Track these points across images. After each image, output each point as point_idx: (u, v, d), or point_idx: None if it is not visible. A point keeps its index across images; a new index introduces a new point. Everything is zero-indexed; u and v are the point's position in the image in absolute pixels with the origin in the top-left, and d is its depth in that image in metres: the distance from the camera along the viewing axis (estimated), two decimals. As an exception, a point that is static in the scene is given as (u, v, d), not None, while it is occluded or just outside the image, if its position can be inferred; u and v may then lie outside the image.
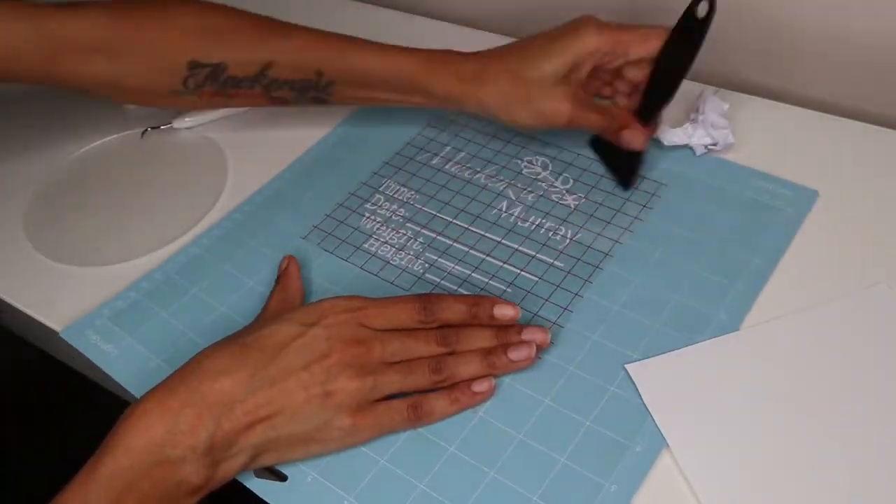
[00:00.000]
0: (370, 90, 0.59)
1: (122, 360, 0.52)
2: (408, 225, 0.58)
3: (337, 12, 0.80)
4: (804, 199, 0.55)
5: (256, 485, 0.45)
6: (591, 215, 0.57)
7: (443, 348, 0.46)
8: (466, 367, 0.46)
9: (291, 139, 0.66)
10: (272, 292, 0.52)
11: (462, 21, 0.77)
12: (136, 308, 0.55)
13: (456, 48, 0.58)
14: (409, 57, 0.57)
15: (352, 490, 0.45)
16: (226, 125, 0.69)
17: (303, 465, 0.46)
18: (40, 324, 0.56)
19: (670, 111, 0.57)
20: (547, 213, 0.57)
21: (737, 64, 0.67)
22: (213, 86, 0.58)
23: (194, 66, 0.56)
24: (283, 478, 0.46)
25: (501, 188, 0.60)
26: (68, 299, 0.57)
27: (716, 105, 0.59)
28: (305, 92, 0.58)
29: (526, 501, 0.43)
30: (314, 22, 0.59)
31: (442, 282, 0.54)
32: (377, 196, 0.61)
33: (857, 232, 0.53)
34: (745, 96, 0.63)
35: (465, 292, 0.53)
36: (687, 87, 0.64)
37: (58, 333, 0.54)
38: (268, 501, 0.45)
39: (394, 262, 0.56)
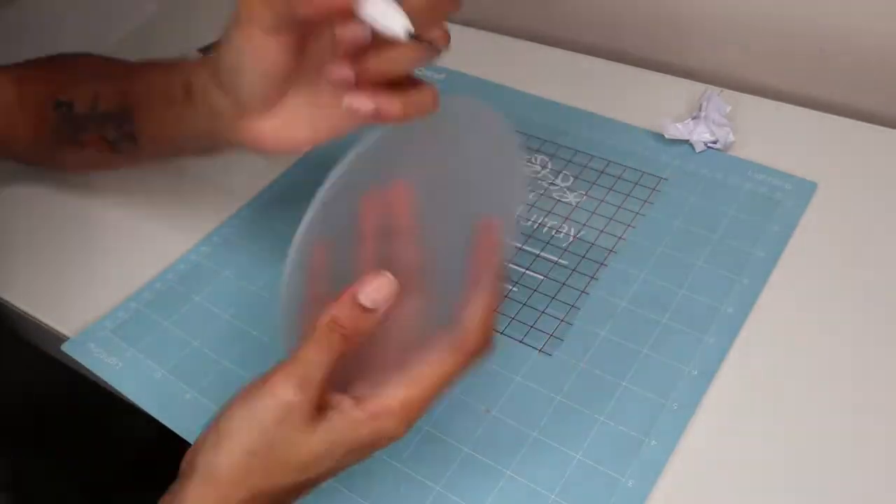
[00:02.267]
0: (161, 108, 0.49)
1: (127, 372, 0.52)
2: (410, 227, 0.58)
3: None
4: (803, 191, 0.56)
5: (271, 493, 0.45)
6: (593, 212, 0.57)
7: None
8: None
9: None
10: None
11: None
12: (139, 319, 0.55)
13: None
14: (192, 62, 0.48)
15: (367, 495, 0.44)
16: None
17: (317, 471, 0.46)
18: (46, 331, 0.56)
19: (671, 107, 0.57)
20: (549, 212, 0.57)
21: (738, 64, 0.68)
22: (71, 130, 0.55)
23: (58, 105, 0.55)
24: (297, 485, 0.45)
25: (502, 187, 0.60)
26: (70, 309, 0.56)
27: (718, 105, 0.59)
28: (121, 125, 0.53)
29: (544, 499, 0.43)
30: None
31: (447, 283, 0.54)
32: (377, 199, 0.61)
33: (857, 222, 0.54)
34: (746, 96, 0.63)
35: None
36: (691, 85, 0.64)
37: (61, 344, 0.54)
38: (283, 509, 0.44)
39: (397, 265, 0.56)
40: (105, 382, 0.52)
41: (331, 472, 0.38)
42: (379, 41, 0.35)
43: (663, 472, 0.43)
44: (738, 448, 0.44)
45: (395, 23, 0.31)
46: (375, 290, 0.36)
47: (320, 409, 0.36)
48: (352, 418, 0.36)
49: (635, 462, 0.43)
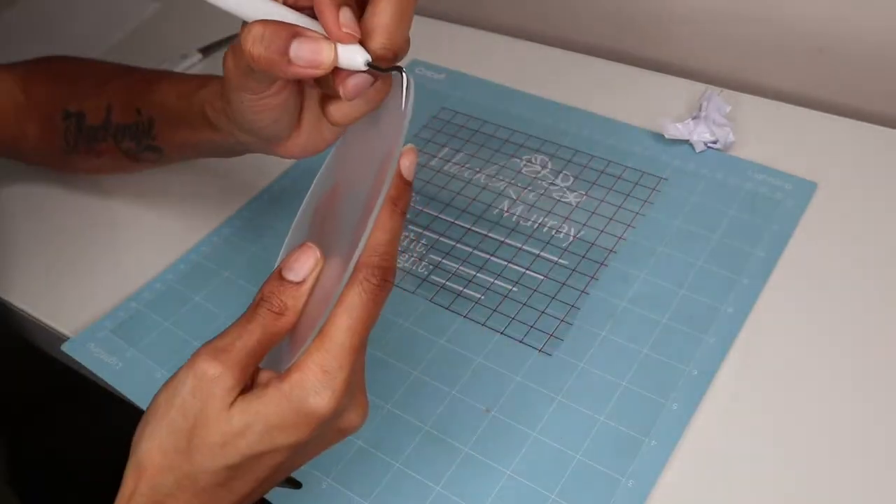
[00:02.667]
0: (185, 128, 0.50)
1: (127, 372, 0.52)
2: (410, 227, 0.58)
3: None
4: (803, 191, 0.56)
5: (271, 492, 0.45)
6: (593, 212, 0.57)
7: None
8: None
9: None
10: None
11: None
12: (139, 319, 0.55)
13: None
14: (201, 81, 0.49)
15: (368, 495, 0.44)
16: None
17: (317, 471, 0.46)
18: (46, 331, 0.56)
19: (671, 107, 0.57)
20: (549, 212, 0.57)
21: (738, 64, 0.68)
22: (83, 141, 0.56)
23: (67, 115, 0.55)
24: (297, 485, 0.45)
25: (502, 188, 0.60)
26: (69, 309, 0.56)
27: (718, 105, 0.59)
28: (141, 140, 0.54)
29: (544, 499, 0.43)
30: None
31: (447, 283, 0.54)
32: (377, 199, 0.61)
33: (857, 222, 0.54)
34: (746, 96, 0.63)
35: (472, 293, 0.53)
36: (690, 85, 0.64)
37: (60, 344, 0.54)
38: (283, 509, 0.44)
39: (398, 265, 0.56)
40: (105, 382, 0.52)
41: (268, 462, 0.34)
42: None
43: (663, 472, 0.43)
44: (737, 448, 0.44)
45: (357, 59, 0.35)
46: (296, 260, 0.35)
47: (249, 388, 0.34)
48: (271, 392, 0.33)
49: (635, 462, 0.43)
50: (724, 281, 0.51)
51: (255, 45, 0.35)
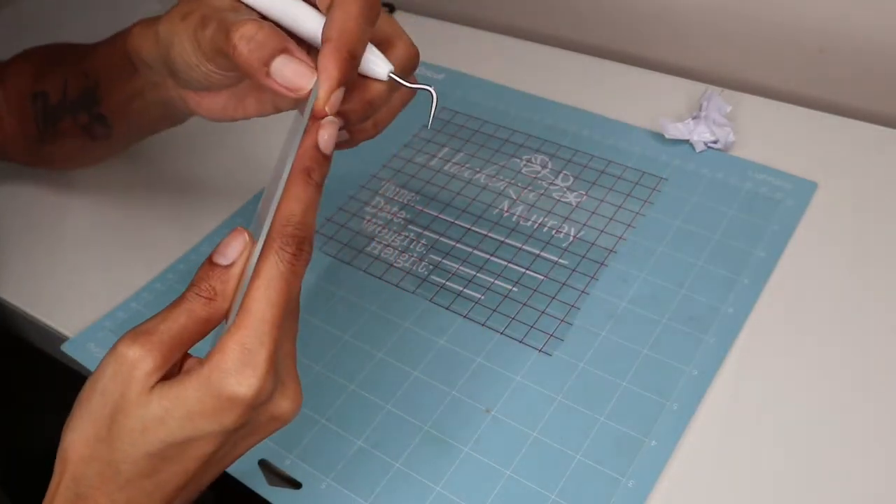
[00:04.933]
0: (121, 81, 0.49)
1: (127, 371, 0.52)
2: (410, 227, 0.58)
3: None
4: (803, 191, 0.56)
5: (271, 493, 0.45)
6: (593, 212, 0.57)
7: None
8: None
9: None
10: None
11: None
12: (138, 319, 0.55)
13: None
14: (128, 30, 0.47)
15: (367, 496, 0.44)
16: (225, 128, 0.68)
17: (317, 471, 0.46)
18: (46, 331, 0.56)
19: (671, 107, 0.57)
20: (549, 212, 0.57)
21: (738, 64, 0.68)
22: (49, 123, 0.55)
23: (34, 98, 0.55)
24: (297, 485, 0.45)
25: (502, 188, 0.60)
26: (69, 309, 0.56)
27: (719, 105, 0.59)
28: (90, 108, 0.52)
29: (544, 500, 0.43)
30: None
31: (447, 283, 0.54)
32: (377, 199, 0.61)
33: (857, 222, 0.54)
34: (746, 96, 0.63)
35: (472, 293, 0.53)
36: (690, 85, 0.64)
37: (60, 344, 0.54)
38: (283, 509, 0.44)
39: (397, 265, 0.56)
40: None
41: (195, 451, 0.33)
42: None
43: (663, 472, 0.43)
44: (738, 448, 0.44)
45: (380, 69, 0.36)
46: (226, 245, 0.34)
47: (173, 374, 0.33)
48: (192, 376, 0.32)
49: (635, 462, 0.43)
50: (724, 281, 0.51)
51: (241, 41, 0.35)
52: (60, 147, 0.57)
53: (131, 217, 0.63)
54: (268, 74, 0.35)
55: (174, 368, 0.33)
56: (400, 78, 0.37)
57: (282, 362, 0.34)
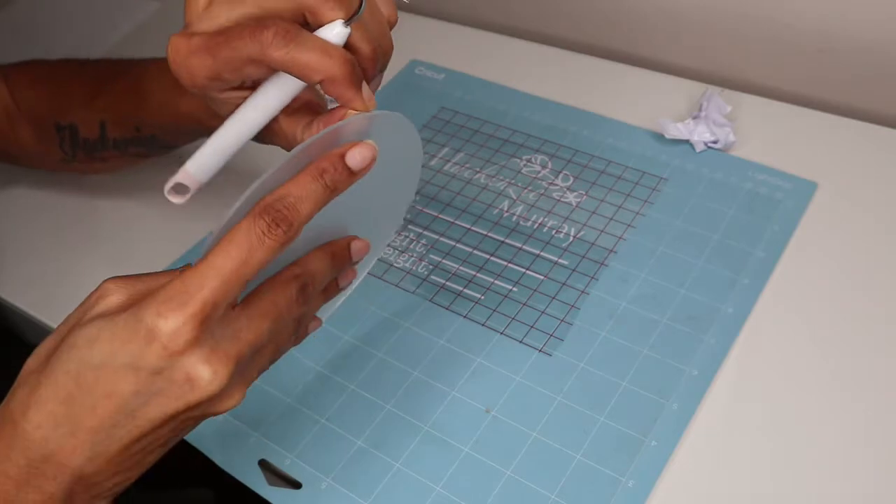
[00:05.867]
0: (187, 134, 0.52)
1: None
2: (410, 227, 0.58)
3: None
4: (803, 191, 0.56)
5: (271, 493, 0.45)
6: (594, 212, 0.57)
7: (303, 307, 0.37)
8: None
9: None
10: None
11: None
12: (138, 318, 0.55)
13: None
14: (180, 91, 0.47)
15: (367, 496, 0.44)
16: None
17: (317, 471, 0.46)
18: (46, 331, 0.55)
19: (671, 107, 0.57)
20: (549, 212, 0.57)
21: (738, 64, 0.68)
22: (82, 152, 0.55)
23: (59, 128, 0.55)
24: (297, 485, 0.45)
25: (502, 188, 0.60)
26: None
27: (719, 105, 0.59)
28: (149, 147, 0.54)
29: (544, 500, 0.43)
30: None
31: (447, 283, 0.54)
32: (377, 199, 0.61)
33: (857, 222, 0.54)
34: (746, 96, 0.63)
35: (472, 293, 0.53)
36: (691, 85, 0.64)
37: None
38: (283, 509, 0.44)
39: (397, 265, 0.56)
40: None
41: (106, 384, 0.31)
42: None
43: (663, 472, 0.43)
44: (738, 448, 0.44)
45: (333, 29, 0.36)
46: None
47: None
48: (132, 308, 0.32)
49: (635, 462, 0.43)
50: (724, 281, 0.51)
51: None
52: (96, 165, 0.57)
53: (131, 217, 0.63)
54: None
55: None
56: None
57: (219, 326, 0.32)
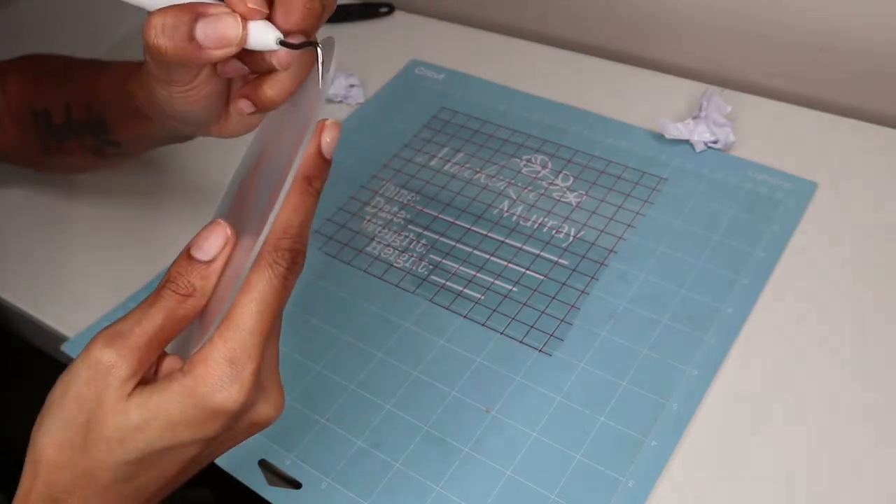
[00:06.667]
0: (129, 121, 0.49)
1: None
2: (410, 227, 0.58)
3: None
4: (804, 191, 0.56)
5: (271, 493, 0.45)
6: (594, 212, 0.57)
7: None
8: None
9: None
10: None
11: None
12: (138, 318, 0.55)
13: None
14: (125, 71, 0.47)
15: (367, 496, 0.44)
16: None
17: (317, 471, 0.46)
18: (46, 331, 0.56)
19: (671, 107, 0.57)
20: (549, 212, 0.57)
21: (738, 64, 0.68)
22: (54, 141, 0.54)
23: (35, 115, 0.54)
24: (297, 485, 0.45)
25: (502, 188, 0.60)
26: (69, 309, 0.56)
27: (719, 105, 0.59)
28: (99, 135, 0.52)
29: (544, 500, 0.43)
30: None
31: (447, 283, 0.54)
32: (377, 199, 0.61)
33: (857, 222, 0.54)
34: (746, 96, 0.63)
35: (472, 293, 0.53)
36: (691, 85, 0.64)
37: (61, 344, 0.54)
38: (283, 509, 0.44)
39: (397, 265, 0.56)
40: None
41: (175, 457, 0.32)
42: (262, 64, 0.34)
43: (663, 472, 0.43)
44: (738, 448, 0.44)
45: (268, 37, 0.32)
46: (205, 238, 0.32)
47: (152, 377, 0.32)
48: (174, 387, 0.31)
49: (635, 462, 0.43)
50: (724, 281, 0.51)
51: (158, 37, 0.32)
52: (66, 160, 0.57)
53: (131, 217, 0.63)
54: (199, 47, 0.31)
55: (150, 368, 0.32)
56: (293, 40, 0.33)
57: (265, 369, 0.33)
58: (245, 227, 0.33)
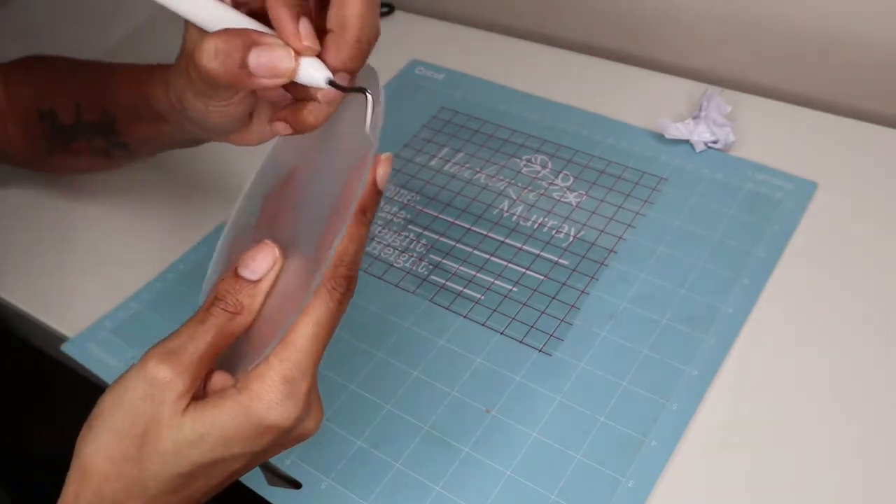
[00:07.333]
0: (142, 123, 0.50)
1: (127, 371, 0.52)
2: (410, 227, 0.58)
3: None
4: (803, 191, 0.56)
5: (271, 493, 0.45)
6: (594, 212, 0.57)
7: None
8: None
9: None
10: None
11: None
12: (139, 319, 0.55)
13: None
14: (146, 73, 0.48)
15: (367, 496, 0.44)
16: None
17: (317, 471, 0.46)
18: (46, 331, 0.56)
19: (671, 107, 0.57)
20: (549, 212, 0.57)
21: (738, 64, 0.68)
22: (60, 142, 0.55)
23: (41, 116, 0.54)
24: (297, 485, 0.45)
25: (502, 188, 0.60)
26: (69, 309, 0.56)
27: (719, 105, 0.59)
28: (109, 137, 0.53)
29: (544, 500, 0.43)
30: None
31: (447, 283, 0.54)
32: (377, 199, 0.61)
33: (857, 222, 0.54)
34: (746, 96, 0.63)
35: (472, 293, 0.53)
36: (691, 85, 0.64)
37: (60, 344, 0.54)
38: (283, 509, 0.44)
39: (397, 265, 0.56)
40: (105, 383, 0.52)
41: (223, 469, 0.34)
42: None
43: (663, 472, 0.43)
44: (738, 448, 0.44)
45: (318, 76, 0.34)
46: (253, 258, 0.34)
47: (202, 392, 0.33)
48: (229, 403, 0.32)
49: (635, 462, 0.43)
50: (724, 281, 0.51)
51: (211, 61, 0.33)
52: (72, 161, 0.57)
53: (131, 217, 0.63)
54: (250, 74, 0.33)
55: (200, 383, 0.33)
56: (341, 81, 0.34)
57: (313, 388, 0.34)
58: (290, 247, 0.34)
